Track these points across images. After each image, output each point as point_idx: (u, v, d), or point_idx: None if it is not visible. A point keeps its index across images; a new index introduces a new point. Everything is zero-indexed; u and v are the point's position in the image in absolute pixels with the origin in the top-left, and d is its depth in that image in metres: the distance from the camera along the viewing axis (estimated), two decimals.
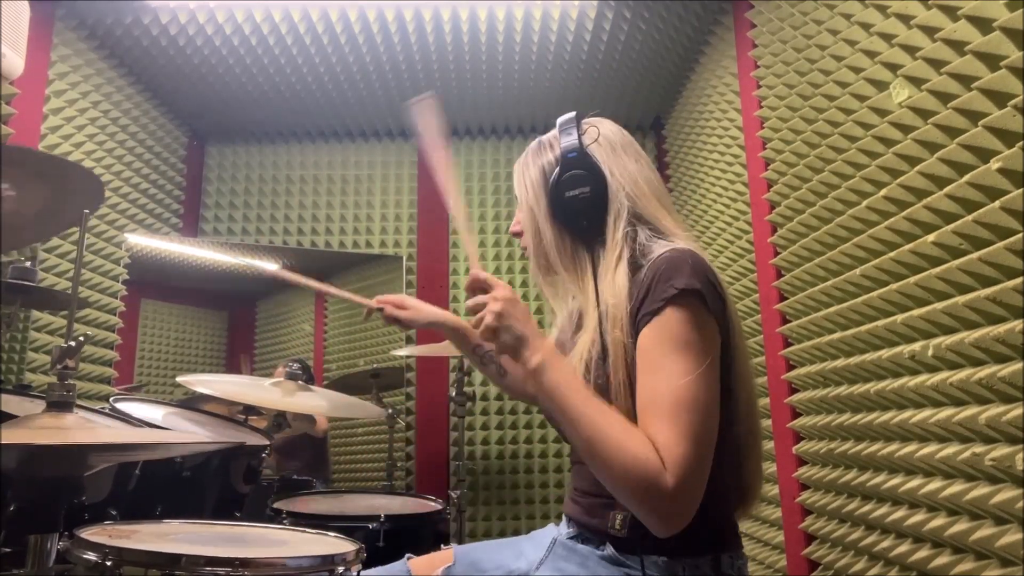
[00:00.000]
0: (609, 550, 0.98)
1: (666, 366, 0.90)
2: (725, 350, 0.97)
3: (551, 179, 1.06)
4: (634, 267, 1.00)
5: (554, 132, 1.12)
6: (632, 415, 0.92)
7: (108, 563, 0.89)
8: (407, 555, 1.16)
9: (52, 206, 1.38)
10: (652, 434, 0.87)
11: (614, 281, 0.99)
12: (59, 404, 0.94)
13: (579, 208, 1.04)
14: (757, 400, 1.08)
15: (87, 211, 1.26)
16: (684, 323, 0.91)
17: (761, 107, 2.02)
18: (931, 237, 1.26)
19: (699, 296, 0.92)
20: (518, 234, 1.17)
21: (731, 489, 1.02)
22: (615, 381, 0.95)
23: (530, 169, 1.11)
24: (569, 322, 1.18)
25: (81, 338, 0.95)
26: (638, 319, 0.95)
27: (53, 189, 1.35)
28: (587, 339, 1.01)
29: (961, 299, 1.20)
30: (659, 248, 1.00)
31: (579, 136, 1.07)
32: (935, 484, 1.29)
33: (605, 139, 1.08)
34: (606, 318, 0.98)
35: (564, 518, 1.11)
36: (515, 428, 3.13)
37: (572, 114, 1.11)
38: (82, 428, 0.94)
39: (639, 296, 0.96)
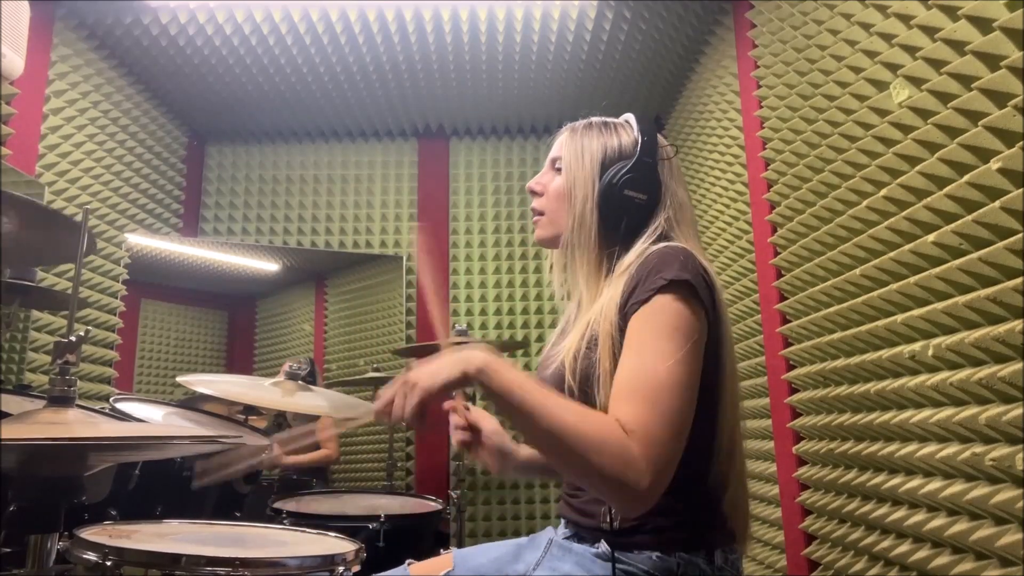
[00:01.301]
0: (603, 547, 0.99)
1: (648, 349, 0.90)
2: (716, 346, 0.97)
3: (617, 168, 1.06)
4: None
5: (622, 120, 1.13)
6: None
7: (108, 563, 0.89)
8: (408, 561, 1.16)
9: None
10: (622, 410, 0.86)
11: (617, 281, 1.01)
12: (60, 399, 0.94)
13: (627, 209, 1.05)
14: (739, 400, 1.08)
15: (87, 209, 1.26)
16: (671, 311, 0.92)
17: (761, 107, 2.02)
18: (931, 237, 1.26)
19: (689, 287, 0.93)
20: (536, 192, 1.17)
21: (723, 483, 1.01)
22: (600, 371, 0.95)
23: (592, 141, 1.11)
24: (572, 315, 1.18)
25: (82, 333, 0.95)
26: (627, 308, 0.96)
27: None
28: (579, 330, 1.02)
29: (961, 299, 1.20)
30: (654, 247, 1.01)
31: (658, 146, 1.09)
32: (935, 484, 1.29)
33: (672, 162, 1.11)
34: (600, 312, 1.00)
35: (561, 519, 1.12)
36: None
37: (630, 116, 1.13)
38: (84, 423, 0.94)
39: (629, 288, 0.97)
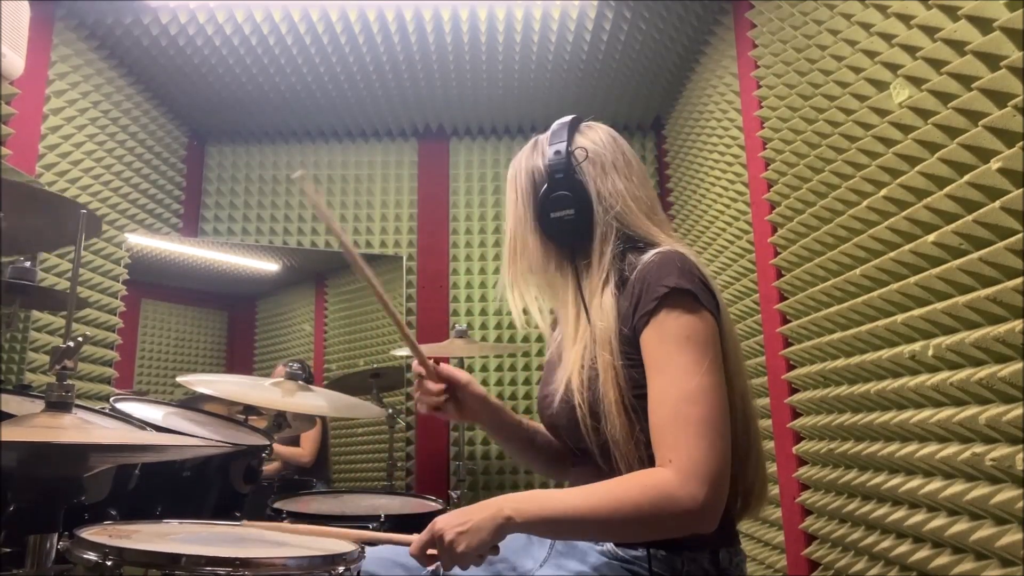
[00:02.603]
0: (608, 545, 0.99)
1: (670, 365, 0.92)
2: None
3: (539, 193, 1.07)
4: (622, 284, 1.01)
5: (547, 133, 1.13)
6: (626, 431, 0.94)
7: (108, 563, 0.89)
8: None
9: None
10: (665, 446, 0.89)
11: (601, 304, 1.01)
12: (58, 405, 0.94)
13: (564, 229, 1.05)
14: (752, 400, 1.08)
15: (84, 212, 1.26)
16: (680, 319, 0.93)
17: (761, 107, 2.02)
18: (931, 237, 1.26)
19: (690, 294, 0.94)
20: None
21: (737, 473, 1.01)
22: (605, 402, 0.96)
23: (521, 174, 1.12)
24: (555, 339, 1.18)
25: (80, 338, 0.95)
26: (635, 322, 0.96)
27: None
28: (576, 360, 1.02)
29: (961, 299, 1.20)
30: (647, 255, 1.01)
31: (568, 153, 1.06)
32: (935, 484, 1.29)
33: (596, 156, 1.08)
34: (594, 341, 1.00)
35: None
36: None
37: (566, 121, 1.11)
38: (78, 428, 0.93)
39: (632, 301, 0.97)
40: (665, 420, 0.90)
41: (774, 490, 2.01)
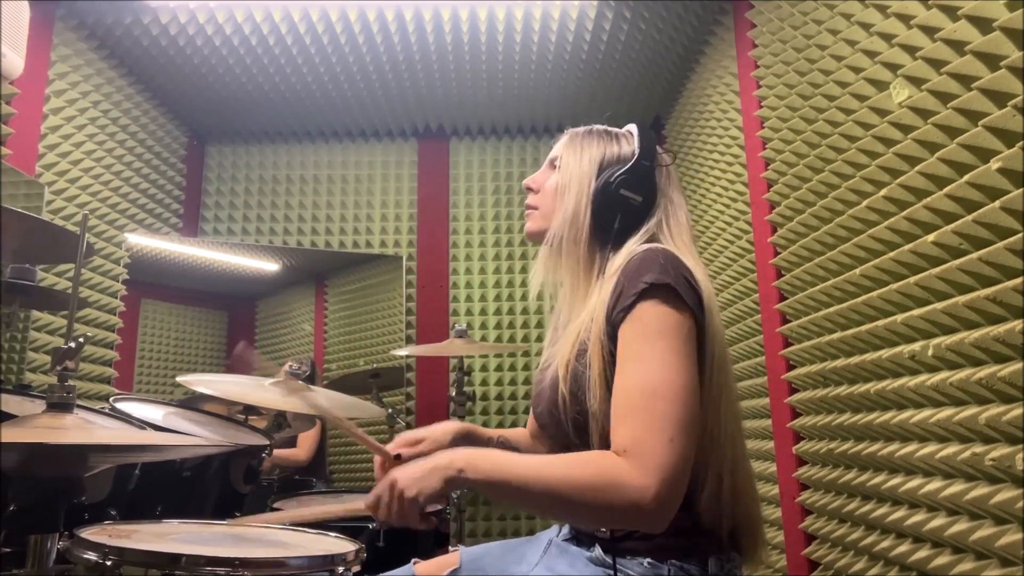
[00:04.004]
0: (597, 551, 0.99)
1: (640, 356, 0.91)
2: (700, 349, 0.95)
3: (614, 169, 1.09)
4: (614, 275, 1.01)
5: (625, 130, 1.16)
6: (605, 404, 0.94)
7: (108, 563, 0.89)
8: (413, 560, 1.16)
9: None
10: (619, 433, 0.88)
11: (607, 284, 1.01)
12: (59, 405, 0.94)
13: (621, 208, 1.07)
14: (739, 419, 1.04)
15: (87, 212, 1.26)
16: (656, 314, 0.92)
17: (761, 107, 2.02)
18: (931, 237, 1.26)
19: (670, 289, 0.93)
20: (532, 189, 1.19)
21: (723, 492, 0.99)
22: (589, 375, 0.96)
23: (592, 146, 1.13)
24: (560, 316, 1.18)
25: (81, 339, 0.95)
26: (614, 316, 0.96)
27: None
28: (569, 338, 1.02)
29: (961, 299, 1.20)
30: (635, 251, 1.01)
31: (657, 153, 1.11)
32: (935, 484, 1.29)
33: (670, 170, 1.14)
34: (590, 318, 1.00)
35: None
36: (515, 428, 3.13)
37: (633, 127, 1.16)
38: (80, 429, 0.94)
39: (615, 295, 0.97)
40: (625, 409, 0.89)
41: (774, 490, 2.01)
